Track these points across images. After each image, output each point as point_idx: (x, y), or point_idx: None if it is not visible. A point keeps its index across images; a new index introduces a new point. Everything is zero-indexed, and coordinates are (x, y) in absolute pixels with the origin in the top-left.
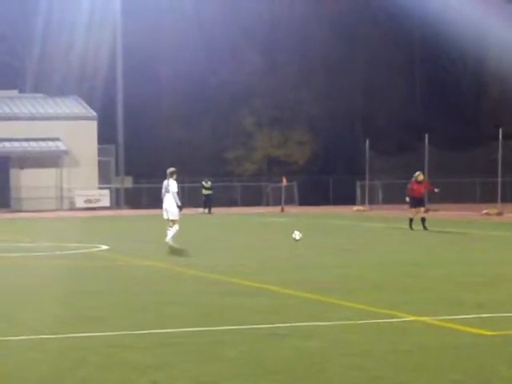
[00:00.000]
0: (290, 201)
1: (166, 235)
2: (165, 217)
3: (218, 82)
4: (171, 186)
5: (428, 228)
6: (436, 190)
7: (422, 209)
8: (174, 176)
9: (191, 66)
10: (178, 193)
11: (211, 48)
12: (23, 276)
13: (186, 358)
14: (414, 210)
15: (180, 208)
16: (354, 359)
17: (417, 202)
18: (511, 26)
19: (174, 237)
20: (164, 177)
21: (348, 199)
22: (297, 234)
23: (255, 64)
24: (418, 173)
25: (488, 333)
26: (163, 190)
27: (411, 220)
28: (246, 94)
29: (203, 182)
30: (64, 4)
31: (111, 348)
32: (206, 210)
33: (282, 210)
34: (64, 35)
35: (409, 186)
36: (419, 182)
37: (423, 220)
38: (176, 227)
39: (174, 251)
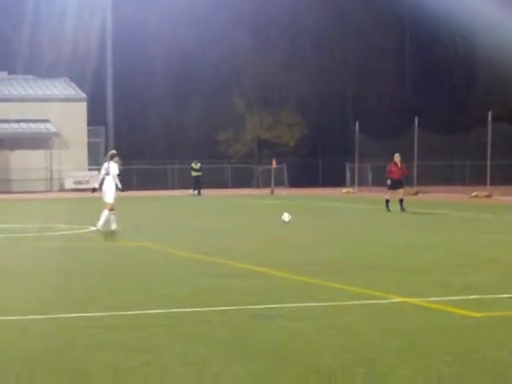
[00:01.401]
0: (279, 183)
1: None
2: (104, 199)
3: (209, 64)
4: (112, 168)
5: (406, 209)
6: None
7: (401, 190)
8: (115, 159)
9: (181, 48)
10: (118, 175)
11: (201, 29)
12: (11, 257)
13: (175, 338)
14: (391, 191)
15: (121, 190)
16: (344, 340)
17: (395, 184)
18: (501, 11)
19: (106, 222)
20: (153, 158)
21: (338, 181)
22: (286, 216)
23: (245, 45)
24: (396, 154)
25: (477, 314)
26: (103, 172)
27: (387, 201)
28: (236, 76)
29: (192, 164)
30: None
31: (99, 329)
32: (196, 192)
33: (272, 192)
34: (54, 17)
35: (388, 168)
36: (397, 164)
37: (401, 201)
38: (106, 212)
39: (110, 232)
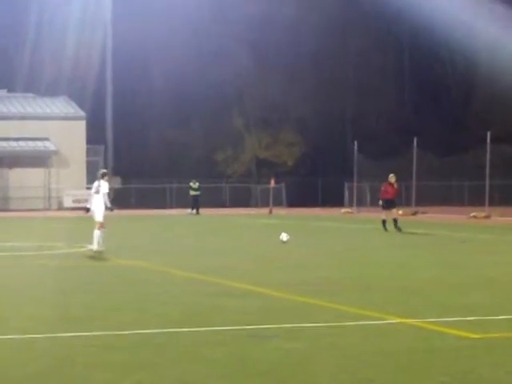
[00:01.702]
0: (278, 202)
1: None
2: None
3: (208, 83)
4: (102, 186)
5: (401, 228)
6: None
7: (394, 210)
8: (106, 177)
9: (181, 67)
10: (108, 194)
11: (202, 49)
12: (10, 276)
13: (171, 358)
14: (386, 211)
15: (111, 209)
16: (341, 361)
17: (388, 204)
18: (500, 29)
19: (100, 241)
20: (152, 177)
21: (336, 201)
22: (284, 236)
23: (245, 65)
24: (391, 175)
25: (474, 336)
26: (93, 191)
27: (384, 221)
28: (235, 95)
29: (191, 183)
30: (55, 4)
31: (97, 348)
32: (194, 211)
33: (271, 211)
34: (54, 35)
35: (382, 188)
36: (392, 184)
37: (395, 221)
38: (97, 232)
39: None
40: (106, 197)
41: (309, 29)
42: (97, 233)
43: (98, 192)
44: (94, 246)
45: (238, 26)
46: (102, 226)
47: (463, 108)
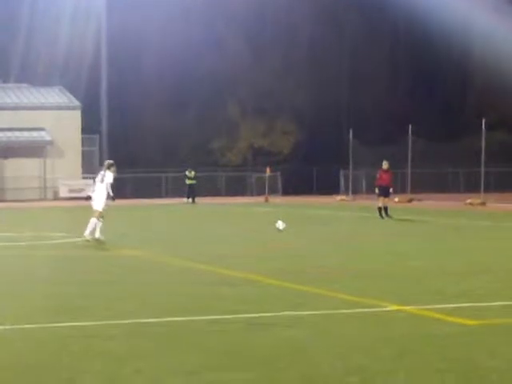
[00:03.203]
0: (274, 190)
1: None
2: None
3: (203, 72)
4: (107, 176)
5: (392, 216)
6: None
7: (387, 198)
8: (112, 168)
9: (176, 56)
10: (111, 184)
11: (196, 37)
12: (6, 266)
13: (169, 347)
14: (382, 198)
15: (113, 198)
16: (338, 349)
17: (384, 191)
18: (495, 18)
19: (94, 230)
20: (148, 166)
21: (332, 189)
22: (280, 224)
23: (240, 53)
24: (384, 162)
25: (470, 322)
26: (97, 179)
27: (380, 209)
28: (230, 84)
29: (186, 172)
30: None
31: (93, 338)
32: (190, 200)
33: (266, 199)
34: (48, 25)
35: (377, 175)
36: (386, 171)
37: (386, 208)
38: (94, 220)
39: (94, 240)
40: (109, 186)
41: (304, 17)
42: (93, 221)
43: (102, 181)
44: (87, 233)
45: (233, 14)
46: (100, 215)
47: (458, 95)
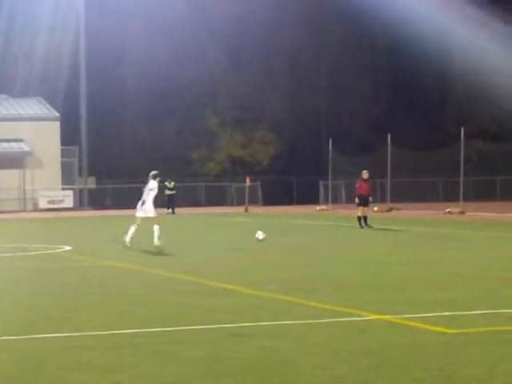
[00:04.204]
0: (253, 201)
1: (125, 233)
2: (138, 214)
3: (183, 82)
4: (152, 186)
5: (371, 225)
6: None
7: (366, 208)
8: (157, 178)
9: (155, 66)
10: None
11: (176, 48)
12: None
13: (149, 358)
14: (361, 207)
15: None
16: (318, 358)
17: (363, 200)
18: (473, 28)
19: (158, 232)
20: (127, 177)
21: (311, 199)
22: (260, 234)
23: (220, 64)
24: (364, 171)
25: (450, 331)
26: (146, 189)
27: (359, 218)
28: (210, 94)
29: (166, 183)
30: (27, 5)
31: (74, 349)
32: (170, 211)
33: (246, 209)
34: (27, 36)
35: (357, 185)
36: (365, 181)
37: (365, 218)
38: (157, 227)
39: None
40: (152, 196)
41: (284, 28)
42: (157, 228)
43: (148, 191)
44: (156, 241)
45: (213, 25)
46: (158, 221)
47: (437, 105)
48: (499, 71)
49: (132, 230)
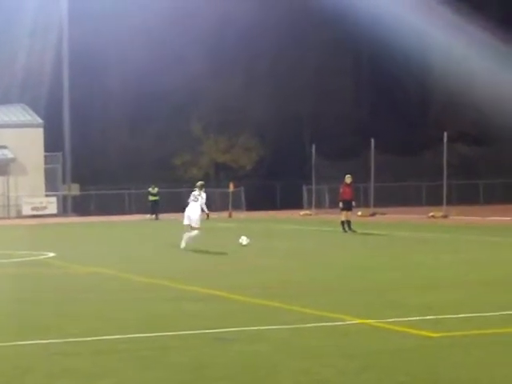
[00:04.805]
0: (237, 206)
1: (182, 239)
2: (185, 222)
3: (166, 88)
4: (202, 196)
5: (355, 230)
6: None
7: (350, 212)
8: (203, 189)
9: (138, 72)
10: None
11: (158, 53)
12: None
13: (132, 364)
14: (345, 212)
15: (207, 215)
16: (301, 363)
17: (347, 205)
18: (453, 33)
19: (193, 240)
20: (111, 183)
21: (295, 204)
22: (244, 239)
23: (202, 69)
24: (347, 176)
25: (433, 335)
26: (191, 199)
27: (343, 223)
28: (193, 99)
29: (150, 189)
30: (8, 10)
31: (57, 356)
32: (153, 216)
33: (230, 215)
34: (9, 42)
35: (341, 189)
36: (349, 185)
37: (349, 222)
38: (196, 232)
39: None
40: (204, 205)
41: (266, 32)
42: (189, 234)
43: (196, 200)
44: (183, 243)
45: (194, 30)
46: (197, 229)
47: (419, 110)
48: (479, 76)
49: (186, 236)
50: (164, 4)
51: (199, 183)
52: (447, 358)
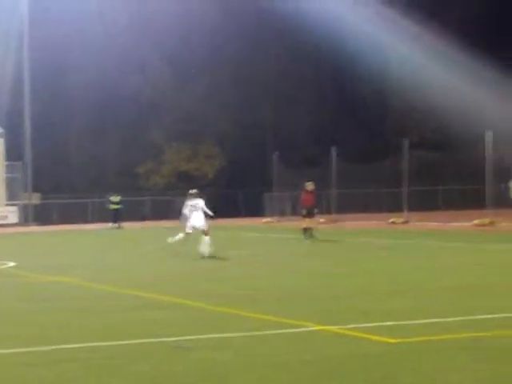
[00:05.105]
0: None
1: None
2: (189, 230)
3: (127, 96)
4: (200, 203)
5: (316, 237)
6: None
7: (311, 219)
8: (199, 195)
9: (100, 80)
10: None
11: (120, 61)
12: None
13: (92, 373)
14: (306, 219)
15: (212, 216)
16: (261, 370)
17: (309, 212)
18: (411, 41)
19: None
20: (73, 192)
21: (257, 211)
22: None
23: (164, 77)
24: (309, 183)
25: (393, 341)
26: (190, 209)
27: (305, 230)
28: (155, 108)
29: (112, 197)
30: None
31: (20, 365)
32: (116, 225)
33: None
34: None
35: (302, 196)
36: (310, 192)
37: (310, 229)
38: (209, 236)
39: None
40: (206, 208)
41: (227, 40)
42: (206, 239)
43: (196, 209)
44: (206, 252)
45: (156, 37)
46: (207, 232)
47: (379, 117)
48: (436, 83)
49: (202, 244)
50: (126, 12)
51: (194, 191)
52: (405, 364)
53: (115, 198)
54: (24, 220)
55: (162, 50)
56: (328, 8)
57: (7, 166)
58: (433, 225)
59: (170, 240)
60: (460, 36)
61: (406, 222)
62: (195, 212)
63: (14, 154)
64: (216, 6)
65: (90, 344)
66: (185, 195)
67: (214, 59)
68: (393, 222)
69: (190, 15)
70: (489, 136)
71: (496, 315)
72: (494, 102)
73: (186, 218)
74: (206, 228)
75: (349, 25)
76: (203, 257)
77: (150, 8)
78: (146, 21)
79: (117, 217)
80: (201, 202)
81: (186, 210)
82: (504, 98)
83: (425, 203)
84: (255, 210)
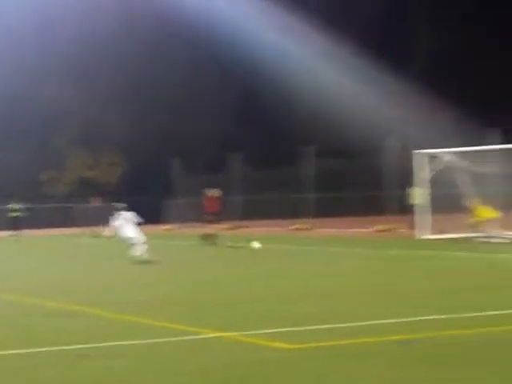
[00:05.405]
0: (104, 222)
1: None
2: (132, 241)
3: (29, 102)
4: (133, 215)
5: (218, 243)
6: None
7: (214, 226)
8: (125, 208)
9: (4, 87)
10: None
11: (23, 69)
12: None
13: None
14: (209, 225)
15: (141, 223)
16: (160, 378)
17: (211, 218)
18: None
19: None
20: None
21: (158, 218)
22: (255, 244)
23: (66, 85)
24: (212, 189)
25: (289, 346)
26: (122, 222)
27: (206, 236)
28: (57, 115)
29: (12, 205)
30: None
31: None
32: (16, 233)
33: (96, 231)
34: None
35: (205, 203)
36: (213, 198)
37: (213, 236)
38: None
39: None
40: (136, 218)
41: (128, 46)
42: (142, 248)
43: (128, 222)
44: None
45: (57, 44)
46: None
47: (284, 124)
48: (340, 92)
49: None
50: (29, 19)
51: (122, 205)
52: (303, 370)
53: (15, 206)
54: None
55: (63, 58)
56: (233, 16)
57: None
58: (335, 231)
59: (136, 255)
60: (362, 45)
61: (309, 229)
62: (129, 224)
63: None
64: (119, 15)
65: None
66: (88, 202)
67: (115, 66)
68: (296, 229)
69: (92, 20)
70: (389, 143)
71: (398, 320)
72: (395, 109)
73: (116, 230)
74: (143, 239)
75: (254, 34)
76: (139, 260)
77: (52, 14)
78: (47, 27)
79: (16, 225)
80: (131, 214)
81: (116, 223)
82: (405, 106)
83: (328, 210)
84: (156, 217)
